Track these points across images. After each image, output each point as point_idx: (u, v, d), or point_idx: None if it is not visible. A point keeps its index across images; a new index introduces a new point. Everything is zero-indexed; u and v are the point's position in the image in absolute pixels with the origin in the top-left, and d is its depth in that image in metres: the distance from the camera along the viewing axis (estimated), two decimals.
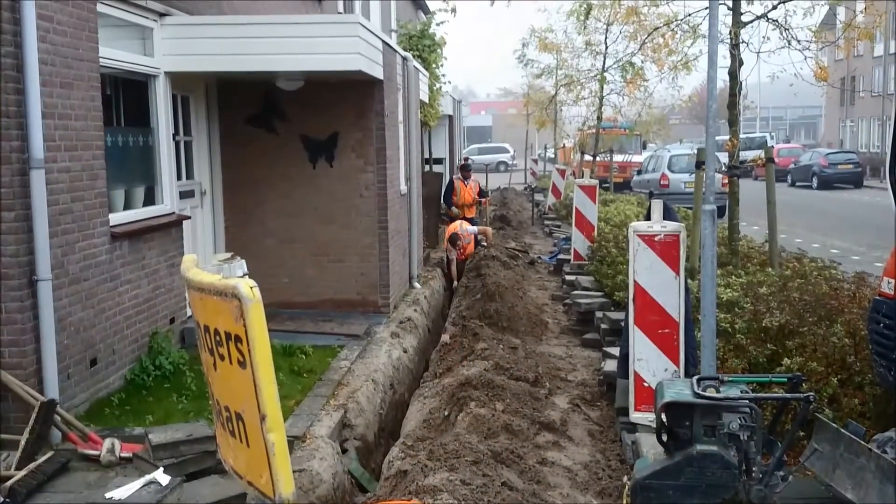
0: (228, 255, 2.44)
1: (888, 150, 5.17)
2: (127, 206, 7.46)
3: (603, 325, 8.82)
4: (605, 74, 19.01)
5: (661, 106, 24.70)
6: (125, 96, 7.68)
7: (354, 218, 9.64)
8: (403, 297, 10.84)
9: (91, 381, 6.45)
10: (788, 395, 4.22)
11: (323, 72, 8.47)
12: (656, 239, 5.61)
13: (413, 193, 11.77)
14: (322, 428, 6.06)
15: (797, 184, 37.13)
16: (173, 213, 8.07)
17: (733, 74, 8.96)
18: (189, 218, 8.51)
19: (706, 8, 7.84)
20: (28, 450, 5.21)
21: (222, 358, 2.36)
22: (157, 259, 7.59)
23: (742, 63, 9.05)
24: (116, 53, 7.07)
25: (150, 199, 7.87)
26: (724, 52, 8.74)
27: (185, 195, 8.75)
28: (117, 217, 7.01)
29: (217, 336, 2.34)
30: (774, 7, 9.26)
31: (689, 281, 6.49)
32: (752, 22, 9.19)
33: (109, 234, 6.72)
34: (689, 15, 10.47)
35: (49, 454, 5.27)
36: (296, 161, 9.59)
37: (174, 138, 8.33)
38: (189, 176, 8.98)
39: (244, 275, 2.34)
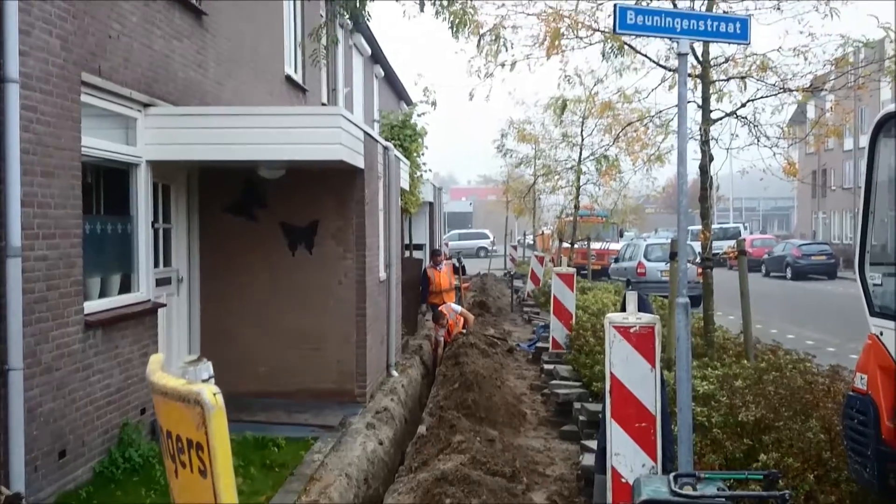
0: (194, 356, 2.41)
1: (857, 246, 5.30)
2: (102, 294, 7.41)
3: (581, 417, 8.77)
4: (582, 166, 19.39)
5: (636, 195, 25.13)
6: (105, 184, 7.72)
7: (333, 305, 9.62)
8: (381, 385, 10.72)
9: (59, 473, 6.28)
10: (765, 494, 4.19)
11: (305, 160, 8.59)
12: (632, 331, 5.63)
13: (392, 280, 11.79)
14: None
15: (771, 274, 37.55)
16: (149, 300, 8.01)
17: (704, 169, 9.14)
18: (164, 305, 8.45)
19: (676, 105, 8.08)
20: None
21: (184, 465, 2.29)
22: (131, 348, 7.50)
23: (712, 158, 9.25)
24: (99, 143, 7.15)
25: (125, 287, 7.82)
26: (694, 147, 8.99)
27: (162, 282, 8.71)
28: (92, 305, 6.96)
29: (179, 443, 2.27)
30: (743, 105, 9.55)
31: (666, 372, 6.49)
32: (720, 119, 9.46)
33: (83, 323, 6.65)
34: (660, 112, 10.78)
35: None
36: (275, 248, 9.61)
37: (153, 226, 8.34)
38: (167, 263, 8.96)
39: (210, 377, 2.30)
